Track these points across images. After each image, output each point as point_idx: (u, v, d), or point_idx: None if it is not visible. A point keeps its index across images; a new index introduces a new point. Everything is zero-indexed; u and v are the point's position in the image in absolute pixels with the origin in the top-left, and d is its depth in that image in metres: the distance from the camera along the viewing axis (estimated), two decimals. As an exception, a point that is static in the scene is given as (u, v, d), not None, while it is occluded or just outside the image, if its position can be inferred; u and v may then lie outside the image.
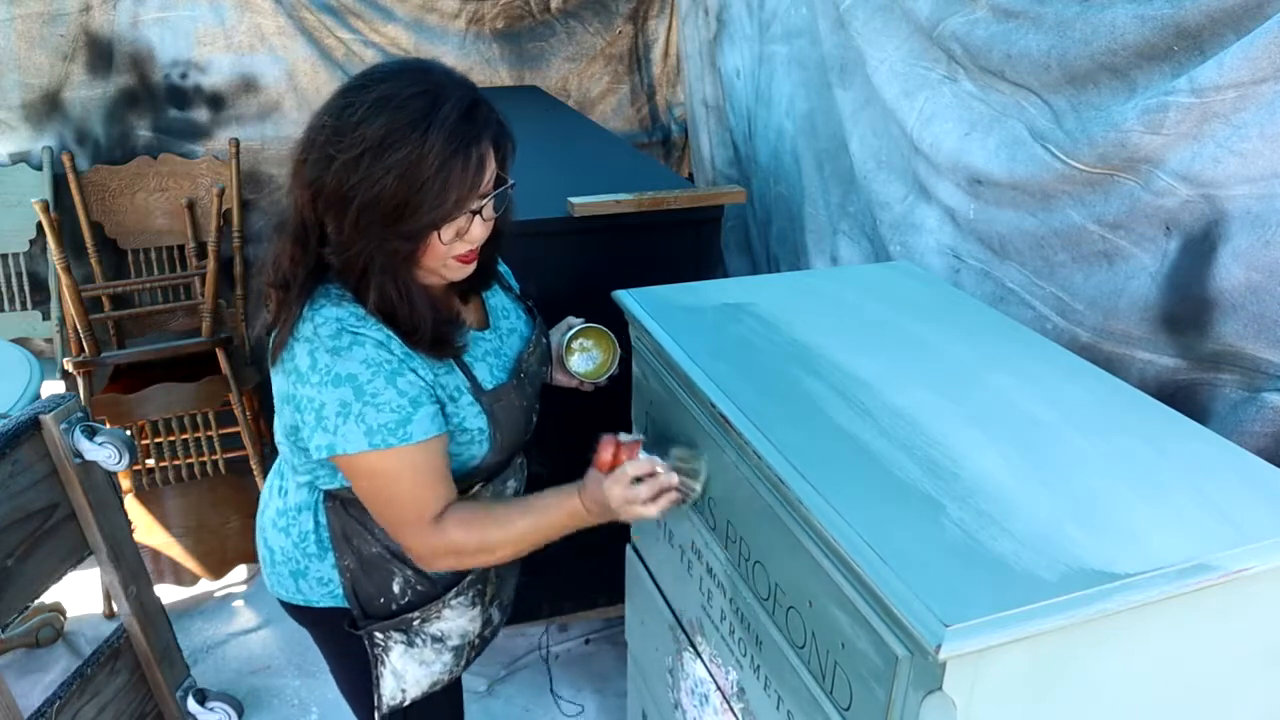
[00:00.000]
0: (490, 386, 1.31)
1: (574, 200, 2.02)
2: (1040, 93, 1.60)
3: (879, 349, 1.34)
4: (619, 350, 1.49)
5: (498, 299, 1.44)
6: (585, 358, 1.49)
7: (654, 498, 1.24)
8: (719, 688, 1.35)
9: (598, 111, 3.75)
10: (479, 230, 1.21)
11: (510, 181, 1.23)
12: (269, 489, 1.44)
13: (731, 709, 1.32)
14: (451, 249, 1.20)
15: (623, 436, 1.27)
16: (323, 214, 1.16)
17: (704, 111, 3.33)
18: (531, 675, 2.44)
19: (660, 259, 2.15)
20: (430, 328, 1.21)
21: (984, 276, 1.80)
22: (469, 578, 1.42)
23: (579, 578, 2.48)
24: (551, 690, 2.38)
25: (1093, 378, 1.31)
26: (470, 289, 1.38)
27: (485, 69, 3.55)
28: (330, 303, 1.20)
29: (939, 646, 0.81)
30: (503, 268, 1.51)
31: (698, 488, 1.28)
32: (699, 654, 1.41)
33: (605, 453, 1.25)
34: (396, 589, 1.38)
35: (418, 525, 1.24)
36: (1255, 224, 1.27)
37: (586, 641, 2.55)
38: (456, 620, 1.44)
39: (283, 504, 1.39)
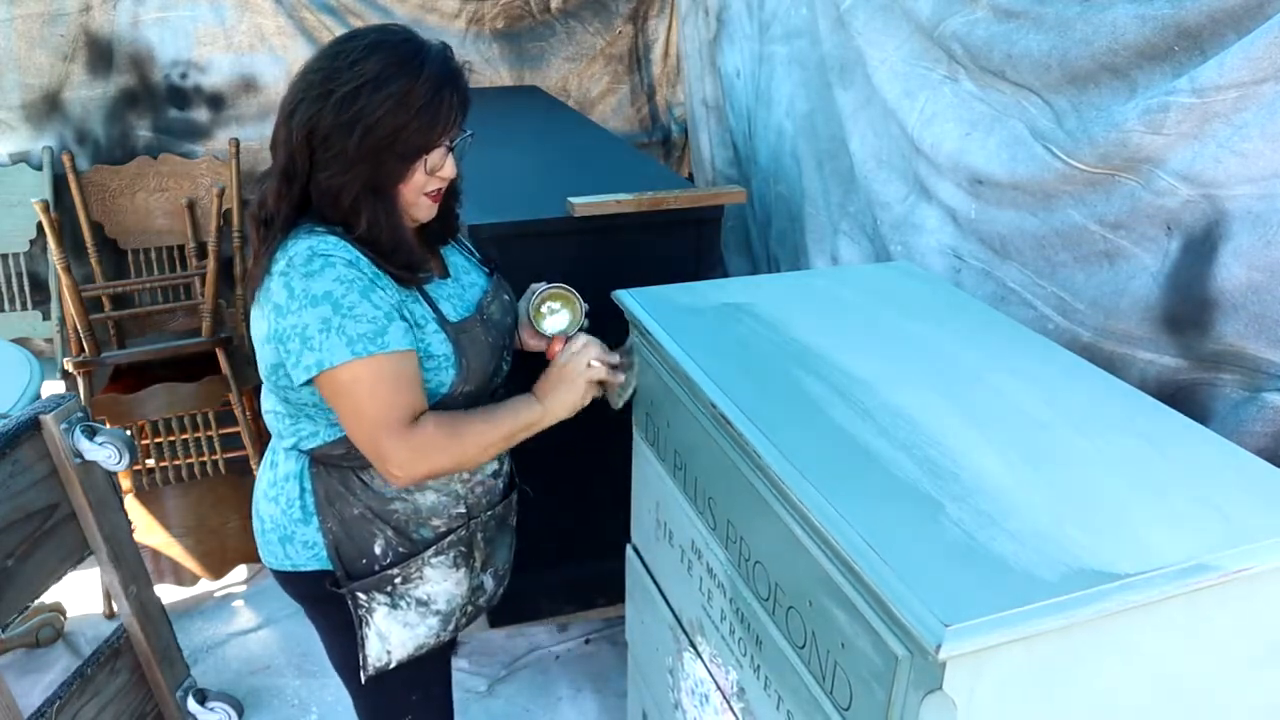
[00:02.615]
0: (455, 319, 1.41)
1: (574, 200, 2.02)
2: (1041, 93, 1.60)
3: (879, 349, 1.34)
4: (584, 306, 1.56)
5: (457, 258, 1.53)
6: (554, 318, 1.57)
7: (596, 363, 1.45)
8: (719, 688, 1.35)
9: (598, 111, 3.75)
10: (450, 168, 1.37)
11: (470, 132, 1.39)
12: (262, 466, 1.52)
13: (731, 709, 1.32)
14: (428, 183, 1.35)
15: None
16: (318, 146, 1.28)
17: (704, 111, 3.33)
18: (531, 675, 2.44)
19: (660, 259, 2.15)
20: (404, 252, 1.35)
21: (985, 276, 1.80)
22: (449, 538, 1.47)
23: (579, 578, 2.48)
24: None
25: (1093, 378, 1.31)
26: (433, 239, 1.49)
27: (485, 69, 3.55)
28: (304, 234, 1.31)
29: (939, 646, 0.81)
30: (469, 244, 1.61)
31: (633, 367, 1.51)
32: (699, 654, 1.41)
33: (558, 343, 1.49)
34: (378, 550, 1.44)
35: (397, 429, 1.30)
36: (1256, 224, 1.27)
37: (586, 641, 2.55)
38: (441, 584, 1.48)
39: (273, 475, 1.47)
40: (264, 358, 1.36)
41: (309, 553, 1.44)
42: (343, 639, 1.49)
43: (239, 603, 2.70)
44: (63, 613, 2.57)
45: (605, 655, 2.50)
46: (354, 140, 1.27)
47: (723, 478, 1.24)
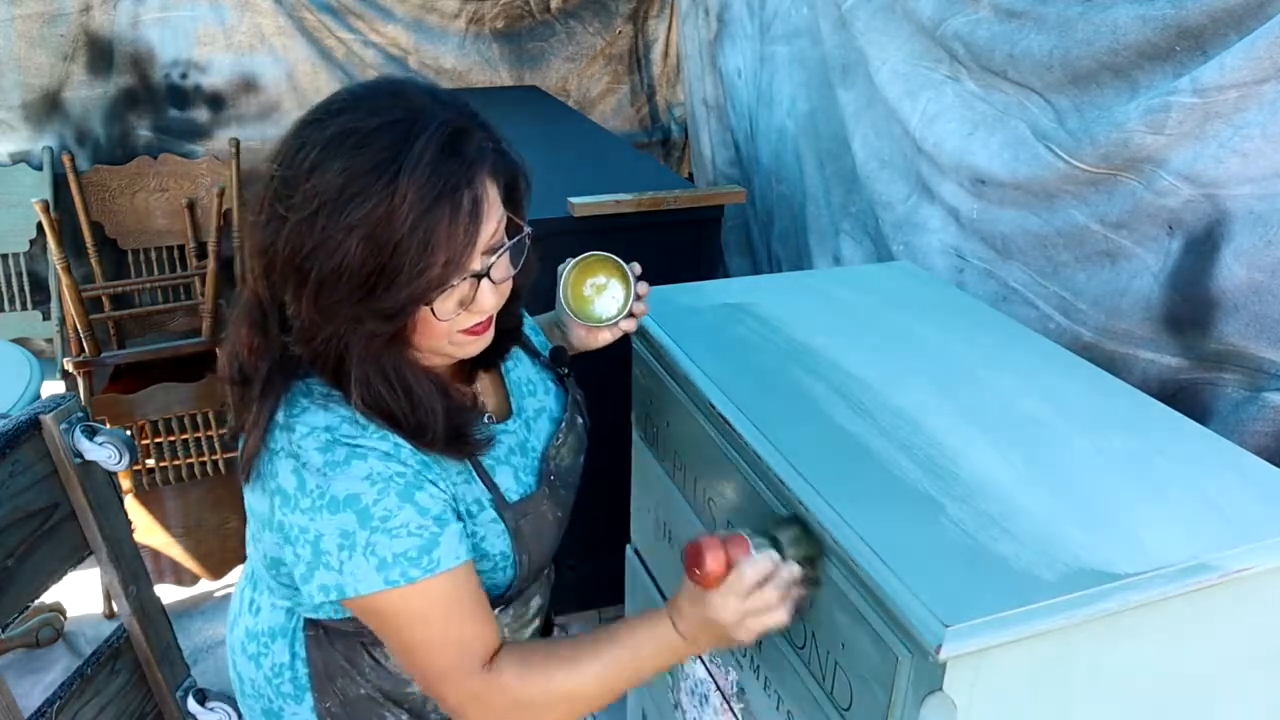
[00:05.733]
0: (516, 498, 1.05)
1: (574, 200, 2.02)
2: (1043, 93, 1.60)
3: (879, 349, 1.34)
4: (631, 271, 1.22)
5: (521, 369, 1.17)
6: (607, 297, 1.22)
7: (783, 600, 0.97)
8: (719, 688, 1.35)
9: (598, 111, 3.75)
10: (489, 298, 0.94)
11: (526, 229, 0.98)
12: (238, 597, 1.19)
13: (731, 709, 1.31)
14: (455, 323, 0.94)
15: (719, 535, 0.97)
16: (280, 290, 0.91)
17: (704, 111, 3.33)
18: (532, 675, 2.44)
19: (660, 259, 2.14)
20: (443, 421, 0.95)
21: (987, 276, 1.80)
22: None
23: (579, 578, 2.47)
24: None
25: (1093, 378, 1.30)
26: (484, 364, 1.09)
27: (485, 69, 3.55)
28: (315, 405, 0.94)
29: (939, 646, 0.81)
30: (528, 324, 1.23)
31: (815, 572, 1.00)
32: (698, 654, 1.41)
33: (714, 562, 0.93)
34: None
35: (461, 675, 0.96)
36: (1257, 224, 1.27)
37: (587, 642, 2.54)
38: None
39: (253, 624, 1.14)
40: (260, 543, 1.02)
41: None
42: None
43: (239, 603, 2.70)
44: (63, 613, 2.57)
45: (605, 655, 2.50)
46: (308, 296, 0.87)
47: (723, 478, 1.24)
